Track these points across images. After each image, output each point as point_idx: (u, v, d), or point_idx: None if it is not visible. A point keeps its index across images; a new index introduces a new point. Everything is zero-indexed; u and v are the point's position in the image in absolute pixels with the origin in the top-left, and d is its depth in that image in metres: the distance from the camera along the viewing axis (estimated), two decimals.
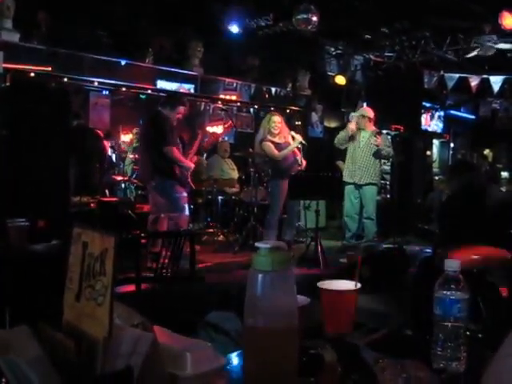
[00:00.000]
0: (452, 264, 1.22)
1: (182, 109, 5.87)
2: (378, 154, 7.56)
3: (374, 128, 7.67)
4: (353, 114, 7.93)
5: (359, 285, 1.45)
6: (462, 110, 14.11)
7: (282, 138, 6.99)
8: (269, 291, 0.97)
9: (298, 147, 7.05)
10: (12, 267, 2.44)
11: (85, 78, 7.87)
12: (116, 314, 0.80)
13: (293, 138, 7.10)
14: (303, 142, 7.06)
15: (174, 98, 6.38)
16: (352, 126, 7.57)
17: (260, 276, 0.98)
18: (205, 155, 9.26)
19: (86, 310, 0.81)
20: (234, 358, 1.19)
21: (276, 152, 6.86)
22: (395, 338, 1.41)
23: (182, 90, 9.20)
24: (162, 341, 0.87)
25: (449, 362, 1.19)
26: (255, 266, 0.99)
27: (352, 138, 7.58)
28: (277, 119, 6.98)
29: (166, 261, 3.86)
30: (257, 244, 1.01)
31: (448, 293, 1.19)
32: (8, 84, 6.62)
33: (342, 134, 7.70)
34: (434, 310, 1.21)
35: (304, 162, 7.05)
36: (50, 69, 7.33)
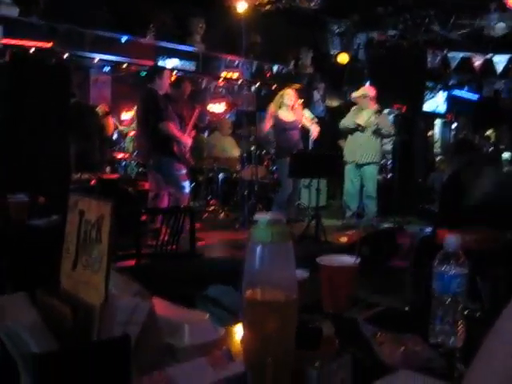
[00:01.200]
0: (451, 239, 1.21)
1: (168, 74, 5.91)
2: (378, 133, 7.53)
3: (375, 107, 7.62)
4: (354, 94, 7.87)
5: (359, 259, 1.45)
6: (465, 89, 14.01)
7: (294, 113, 7.01)
8: (268, 263, 0.97)
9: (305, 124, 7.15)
10: (11, 241, 2.45)
11: (85, 54, 7.80)
12: (113, 283, 0.79)
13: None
14: (315, 120, 7.21)
15: (155, 68, 6.37)
16: (360, 121, 7.49)
17: (259, 248, 0.97)
18: (206, 133, 9.23)
19: (82, 278, 0.80)
20: (232, 330, 1.19)
21: (267, 127, 6.96)
22: (393, 313, 1.41)
23: (183, 68, 9.14)
24: (159, 312, 0.87)
25: (446, 337, 1.20)
26: (254, 239, 0.98)
27: (359, 128, 7.54)
28: (290, 92, 7.05)
29: (166, 238, 3.86)
30: (256, 216, 1.00)
31: (447, 268, 1.19)
32: (7, 59, 6.56)
33: (347, 122, 7.60)
34: (433, 286, 1.21)
35: (315, 133, 7.16)
36: (50, 44, 7.27)
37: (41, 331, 0.72)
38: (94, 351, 0.72)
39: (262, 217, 0.99)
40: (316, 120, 7.43)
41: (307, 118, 7.28)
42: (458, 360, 1.13)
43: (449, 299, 1.18)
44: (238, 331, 1.14)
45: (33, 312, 0.75)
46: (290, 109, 7.00)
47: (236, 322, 1.22)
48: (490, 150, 11.51)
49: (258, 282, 0.97)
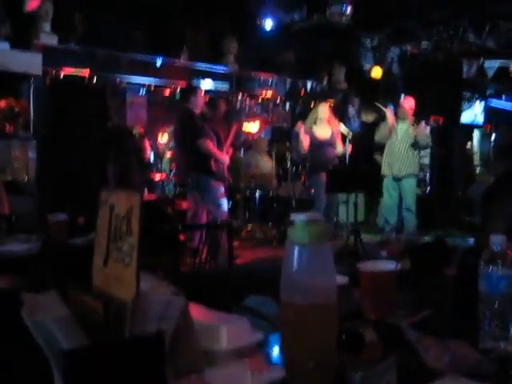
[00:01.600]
0: (497, 239, 1.17)
1: (201, 92, 5.97)
2: (416, 145, 7.43)
3: (411, 119, 7.54)
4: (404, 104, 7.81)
5: (399, 265, 1.41)
6: (503, 99, 13.73)
7: (330, 127, 6.97)
8: (306, 265, 0.94)
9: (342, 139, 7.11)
10: (51, 259, 2.48)
11: (122, 77, 7.96)
12: (149, 285, 0.78)
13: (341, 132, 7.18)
14: (350, 135, 7.17)
15: (189, 88, 6.48)
16: (390, 117, 7.46)
17: (296, 249, 0.95)
18: (242, 151, 9.26)
19: (113, 273, 0.79)
20: (272, 337, 1.16)
21: (305, 146, 6.90)
22: (439, 318, 1.36)
23: (217, 88, 9.22)
24: (196, 316, 0.85)
25: (497, 341, 1.14)
26: (291, 239, 0.96)
27: (391, 130, 7.48)
28: (324, 105, 7.05)
29: (204, 255, 3.85)
30: (292, 216, 0.98)
31: (494, 268, 1.14)
32: (47, 84, 6.75)
33: (382, 130, 7.58)
34: (480, 287, 1.16)
35: (348, 149, 7.11)
36: (87, 70, 7.45)
37: (72, 327, 0.71)
38: (125, 347, 0.70)
39: (299, 217, 0.97)
40: (351, 134, 7.36)
41: (340, 132, 7.25)
42: (510, 366, 1.07)
43: (497, 301, 1.13)
44: (277, 336, 1.11)
45: (64, 308, 0.74)
46: (326, 122, 6.97)
47: (275, 332, 1.20)
48: None
49: (296, 284, 0.94)
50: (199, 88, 6.27)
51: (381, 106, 7.84)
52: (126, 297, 0.75)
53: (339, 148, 7.14)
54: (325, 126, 6.98)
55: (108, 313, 0.74)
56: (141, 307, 0.74)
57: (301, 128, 7.01)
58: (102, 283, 0.81)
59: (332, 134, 6.97)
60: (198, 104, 5.89)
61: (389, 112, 7.58)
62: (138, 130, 8.32)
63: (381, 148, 8.21)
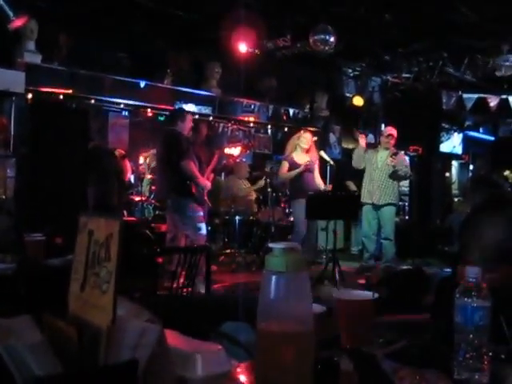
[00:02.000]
0: (473, 271, 1.18)
1: (190, 117, 5.99)
2: (394, 175, 7.51)
3: (392, 149, 7.64)
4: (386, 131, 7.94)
5: (376, 295, 1.42)
6: (481, 130, 14.00)
7: (309, 156, 7.00)
8: (282, 293, 0.94)
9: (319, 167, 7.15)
10: (27, 279, 2.45)
11: (105, 98, 7.95)
12: (125, 310, 0.77)
13: (321, 158, 7.21)
14: (332, 162, 7.20)
15: (178, 112, 6.49)
16: (362, 141, 7.59)
17: (274, 277, 0.95)
18: (223, 176, 9.27)
19: (90, 299, 0.78)
20: (247, 365, 1.15)
21: (284, 171, 6.94)
22: (415, 348, 1.36)
23: (199, 112, 9.26)
24: (171, 342, 0.84)
25: (471, 372, 1.15)
26: (268, 267, 0.96)
27: (366, 155, 7.59)
28: (307, 136, 7.06)
29: (182, 280, 3.82)
30: (270, 244, 0.98)
31: (469, 300, 1.15)
32: (28, 103, 6.72)
33: (356, 154, 7.70)
34: (455, 319, 1.17)
35: (329, 187, 7.17)
36: (70, 90, 7.44)
37: (45, 354, 0.70)
38: (99, 375, 0.69)
39: (277, 245, 0.97)
40: (332, 162, 7.44)
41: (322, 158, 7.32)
42: None
43: (472, 332, 1.14)
44: (253, 365, 1.11)
45: (37, 334, 0.73)
46: (305, 152, 7.00)
47: (251, 359, 1.19)
48: (509, 189, 11.38)
49: (273, 312, 0.94)
50: (188, 112, 6.28)
51: (356, 132, 7.96)
52: (102, 324, 0.74)
53: (319, 181, 7.14)
54: (304, 154, 7.01)
55: (82, 340, 0.73)
56: (116, 334, 0.73)
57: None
58: (78, 309, 0.80)
59: (309, 163, 7.00)
60: (185, 128, 5.91)
61: (362, 137, 7.71)
62: (119, 152, 8.29)
63: (353, 175, 8.36)
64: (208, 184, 5.99)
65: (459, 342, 1.16)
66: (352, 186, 9.17)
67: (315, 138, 8.33)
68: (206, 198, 6.04)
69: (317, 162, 7.15)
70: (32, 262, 2.89)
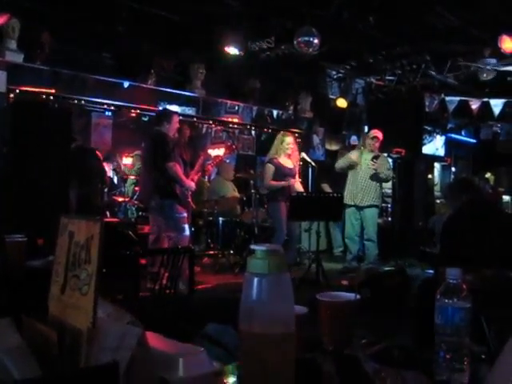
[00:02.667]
0: (453, 272, 1.19)
1: (177, 118, 5.96)
2: (376, 178, 7.55)
3: (376, 151, 7.68)
4: (370, 134, 7.92)
5: (358, 296, 1.42)
6: (463, 133, 14.14)
7: (292, 161, 6.98)
8: (265, 295, 0.94)
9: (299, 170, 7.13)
10: (8, 282, 2.42)
11: (87, 98, 7.90)
12: (106, 313, 0.77)
13: (303, 160, 7.19)
14: (313, 164, 7.17)
15: (164, 112, 6.45)
16: (354, 156, 7.57)
17: (256, 279, 0.95)
18: (206, 177, 9.26)
19: (70, 301, 0.78)
20: (229, 367, 1.15)
21: (268, 179, 6.87)
22: (396, 350, 1.37)
23: (183, 113, 9.24)
24: (153, 345, 0.84)
25: (451, 373, 1.16)
26: (251, 269, 0.96)
27: (351, 166, 7.62)
28: (290, 140, 7.00)
29: (165, 281, 3.80)
30: (252, 246, 0.98)
31: (450, 301, 1.16)
32: (10, 103, 6.65)
33: (343, 161, 7.71)
34: (436, 320, 1.18)
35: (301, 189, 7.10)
36: (52, 90, 7.37)
37: (24, 357, 0.69)
38: (79, 378, 0.69)
39: (259, 247, 0.97)
40: (313, 164, 7.43)
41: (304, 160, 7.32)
42: None
43: (452, 333, 1.15)
44: (235, 367, 1.11)
45: (16, 337, 0.72)
46: (288, 157, 6.98)
47: (234, 361, 1.19)
48: (490, 191, 11.53)
49: (255, 313, 0.95)
50: (175, 113, 6.24)
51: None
52: (82, 326, 0.73)
53: (299, 186, 7.10)
54: (287, 158, 6.99)
55: (63, 342, 0.73)
56: (97, 337, 0.72)
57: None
58: (59, 311, 0.79)
59: (294, 166, 6.99)
60: (172, 129, 5.88)
61: (356, 153, 7.70)
62: (102, 152, 8.25)
63: (328, 177, 8.43)
64: (193, 185, 5.98)
65: (440, 343, 1.17)
66: (327, 188, 9.22)
67: (298, 140, 8.35)
68: (190, 199, 6.02)
69: (298, 165, 7.13)
70: (13, 264, 2.86)
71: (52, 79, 7.46)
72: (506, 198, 12.59)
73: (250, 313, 0.95)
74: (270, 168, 6.89)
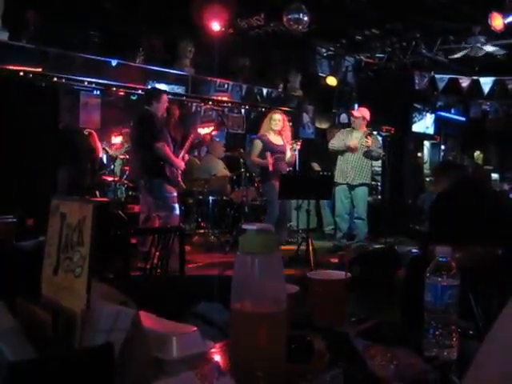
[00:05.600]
0: (443, 250, 1.20)
1: (166, 97, 5.92)
2: (368, 155, 7.56)
3: (365, 129, 7.67)
4: (355, 113, 7.83)
5: (349, 274, 1.44)
6: (452, 111, 14.16)
7: (282, 137, 6.96)
8: (256, 274, 0.95)
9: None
10: None
11: (75, 77, 7.81)
12: (99, 293, 0.77)
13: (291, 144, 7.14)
14: (298, 147, 7.11)
15: (154, 92, 6.40)
16: (352, 144, 7.50)
17: (247, 258, 0.95)
18: (196, 153, 9.23)
19: (63, 283, 0.78)
20: (221, 345, 1.16)
21: (252, 155, 6.87)
22: (386, 327, 1.39)
23: (172, 91, 9.17)
24: (146, 325, 0.84)
25: (440, 349, 1.18)
26: (242, 249, 0.97)
27: (341, 135, 7.61)
28: (278, 117, 6.99)
29: (156, 260, 3.81)
30: (244, 226, 0.98)
31: (439, 279, 1.17)
32: None
33: (338, 144, 7.63)
34: (425, 297, 1.19)
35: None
36: (40, 69, 7.28)
37: (18, 339, 0.69)
38: (74, 359, 0.69)
39: (250, 226, 0.98)
40: (299, 142, 7.34)
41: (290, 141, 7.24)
42: (453, 373, 1.10)
43: (441, 310, 1.16)
44: (227, 345, 1.12)
45: (10, 319, 0.72)
46: (277, 134, 6.97)
47: (225, 339, 1.20)
48: (478, 170, 11.59)
49: (247, 292, 0.95)
50: (164, 92, 6.19)
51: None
52: (76, 308, 0.74)
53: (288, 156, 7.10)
54: (277, 136, 6.98)
55: (57, 324, 0.73)
56: (90, 318, 0.73)
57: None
58: (52, 293, 0.79)
59: (283, 144, 6.98)
60: (161, 108, 5.84)
61: (356, 140, 7.62)
62: (90, 131, 8.18)
63: (318, 156, 8.39)
64: (182, 165, 5.97)
65: (429, 320, 1.19)
66: (316, 167, 9.22)
67: (289, 118, 8.31)
68: (180, 179, 6.00)
69: (289, 143, 7.09)
70: (3, 245, 2.85)
71: (39, 58, 7.36)
72: (494, 175, 12.68)
73: (242, 291, 0.96)
74: (258, 144, 6.91)
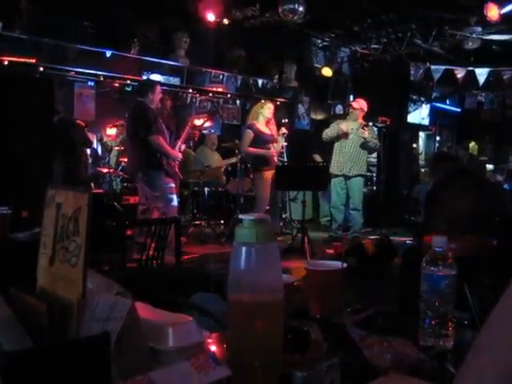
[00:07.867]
0: (439, 240, 1.20)
1: (160, 88, 5.90)
2: (365, 146, 7.56)
3: (361, 120, 7.67)
4: (354, 105, 7.82)
5: (345, 265, 1.44)
6: (447, 102, 14.16)
7: (270, 128, 6.96)
8: (253, 264, 0.95)
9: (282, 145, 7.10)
10: None
11: (69, 68, 7.77)
12: (95, 283, 0.77)
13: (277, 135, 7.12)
14: (285, 142, 7.13)
15: (148, 83, 6.39)
16: (343, 127, 7.52)
17: (244, 248, 0.95)
18: (191, 145, 9.21)
19: (59, 274, 0.77)
20: (218, 336, 1.16)
21: (246, 145, 6.86)
22: (382, 317, 1.39)
23: (167, 82, 9.14)
24: (142, 315, 0.84)
25: (436, 339, 1.18)
26: (239, 239, 0.96)
27: (339, 137, 7.58)
28: (270, 105, 6.99)
29: (152, 252, 3.81)
30: (240, 216, 0.98)
31: (435, 269, 1.18)
32: None
33: (330, 131, 7.64)
34: (422, 287, 1.19)
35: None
36: (33, 60, 7.23)
37: (13, 328, 0.69)
38: (70, 349, 0.69)
39: (246, 216, 0.97)
40: (285, 127, 7.33)
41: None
42: (448, 362, 1.11)
43: (437, 300, 1.16)
44: (224, 336, 1.12)
45: (5, 309, 0.72)
46: (265, 124, 6.94)
47: (222, 330, 1.20)
48: (473, 161, 11.61)
49: (243, 282, 0.95)
50: (158, 83, 6.18)
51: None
52: (72, 297, 0.73)
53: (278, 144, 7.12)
54: (265, 125, 6.96)
55: (52, 314, 0.72)
56: (87, 308, 0.72)
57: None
58: (48, 283, 0.79)
59: (272, 133, 6.97)
60: (154, 100, 5.83)
61: (345, 123, 7.63)
62: (85, 122, 8.15)
63: (320, 148, 8.38)
64: (179, 155, 5.96)
65: (425, 310, 1.19)
66: (318, 158, 9.21)
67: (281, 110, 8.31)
68: (177, 169, 6.00)
69: (276, 133, 7.08)
70: None
71: (32, 49, 7.31)
72: (489, 166, 12.72)
73: (239, 282, 0.96)
74: (249, 134, 6.88)
